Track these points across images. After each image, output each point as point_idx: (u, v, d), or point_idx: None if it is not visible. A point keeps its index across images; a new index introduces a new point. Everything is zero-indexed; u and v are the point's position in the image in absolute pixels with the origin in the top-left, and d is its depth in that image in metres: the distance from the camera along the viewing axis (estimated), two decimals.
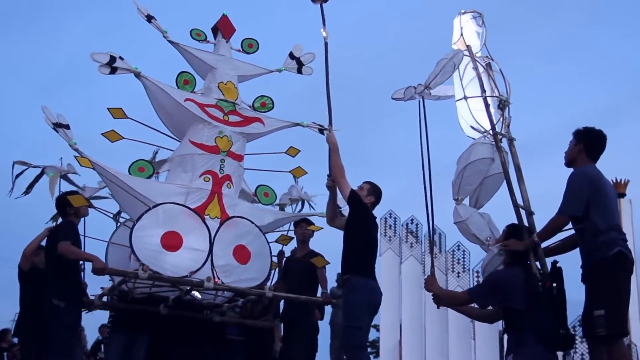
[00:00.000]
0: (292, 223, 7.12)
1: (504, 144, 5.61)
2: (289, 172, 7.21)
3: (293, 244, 7.20)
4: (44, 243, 6.42)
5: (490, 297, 4.80)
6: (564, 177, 4.76)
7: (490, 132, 5.60)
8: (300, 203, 7.61)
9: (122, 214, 6.99)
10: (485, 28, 6.04)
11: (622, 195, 11.72)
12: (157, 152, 7.13)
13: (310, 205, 7.58)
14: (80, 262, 6.07)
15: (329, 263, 6.69)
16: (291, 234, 7.10)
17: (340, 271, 5.84)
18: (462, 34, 5.97)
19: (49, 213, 6.86)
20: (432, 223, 5.39)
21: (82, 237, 6.04)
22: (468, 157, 5.71)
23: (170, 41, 6.81)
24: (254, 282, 6.11)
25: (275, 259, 6.70)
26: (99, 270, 5.43)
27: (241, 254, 6.13)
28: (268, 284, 6.36)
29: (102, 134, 6.31)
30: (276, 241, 6.96)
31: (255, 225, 6.31)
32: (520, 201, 5.19)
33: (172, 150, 6.93)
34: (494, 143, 5.56)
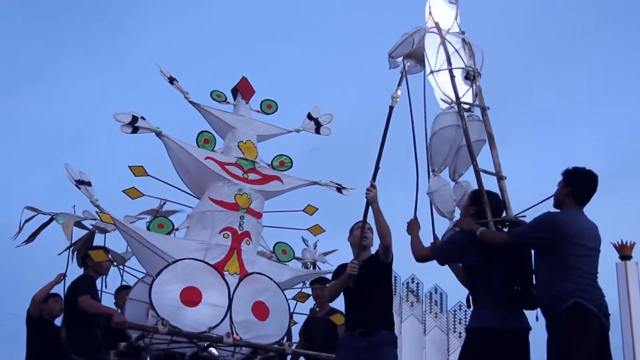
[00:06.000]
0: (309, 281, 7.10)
1: (477, 112, 5.57)
2: (307, 229, 7.24)
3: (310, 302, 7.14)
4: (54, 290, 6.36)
5: (451, 252, 4.62)
6: None
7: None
8: (313, 265, 7.60)
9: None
10: (458, 4, 6.11)
11: (629, 257, 11.60)
12: (164, 204, 7.19)
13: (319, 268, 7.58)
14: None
15: None
16: (308, 291, 7.06)
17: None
18: (430, 13, 6.07)
19: (53, 265, 6.58)
20: None
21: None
22: (433, 128, 5.58)
23: (191, 102, 6.97)
24: (272, 338, 6.07)
25: (294, 317, 6.65)
26: (119, 324, 5.41)
27: (260, 310, 6.10)
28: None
29: (123, 191, 6.41)
30: (293, 298, 6.92)
31: (274, 281, 6.31)
32: (491, 167, 5.10)
33: (184, 205, 7.04)
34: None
